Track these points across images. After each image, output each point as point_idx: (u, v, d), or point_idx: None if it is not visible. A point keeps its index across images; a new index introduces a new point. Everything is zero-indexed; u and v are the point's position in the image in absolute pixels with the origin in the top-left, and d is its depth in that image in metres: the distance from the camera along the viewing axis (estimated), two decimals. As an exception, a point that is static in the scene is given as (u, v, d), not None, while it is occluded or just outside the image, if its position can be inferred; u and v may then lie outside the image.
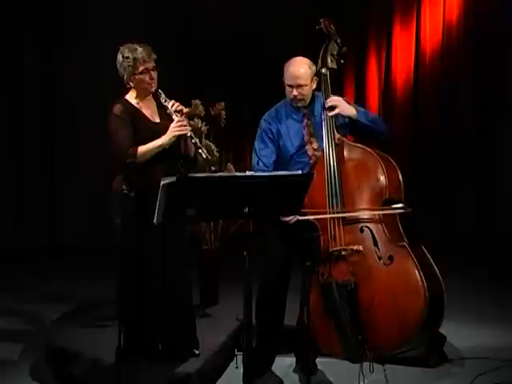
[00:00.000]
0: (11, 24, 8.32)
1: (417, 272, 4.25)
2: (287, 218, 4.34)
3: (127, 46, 4.50)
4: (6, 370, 4.90)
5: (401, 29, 8.68)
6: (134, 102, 4.55)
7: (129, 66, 4.46)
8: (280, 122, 4.61)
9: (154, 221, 3.64)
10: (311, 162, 4.55)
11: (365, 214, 4.41)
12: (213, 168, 4.61)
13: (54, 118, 8.66)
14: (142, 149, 4.44)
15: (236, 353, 4.63)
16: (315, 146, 4.57)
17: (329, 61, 4.68)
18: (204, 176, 3.81)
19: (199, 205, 3.68)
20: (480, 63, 8.36)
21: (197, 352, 4.65)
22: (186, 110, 4.55)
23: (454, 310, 5.41)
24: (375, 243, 4.36)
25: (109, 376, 4.31)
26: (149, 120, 4.55)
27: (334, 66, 4.70)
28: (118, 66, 4.52)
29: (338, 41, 4.76)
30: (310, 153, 4.58)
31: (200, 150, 4.45)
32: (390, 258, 4.32)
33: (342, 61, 4.74)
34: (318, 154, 4.55)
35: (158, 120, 4.57)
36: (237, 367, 4.36)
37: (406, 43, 8.65)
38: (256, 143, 4.62)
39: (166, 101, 4.50)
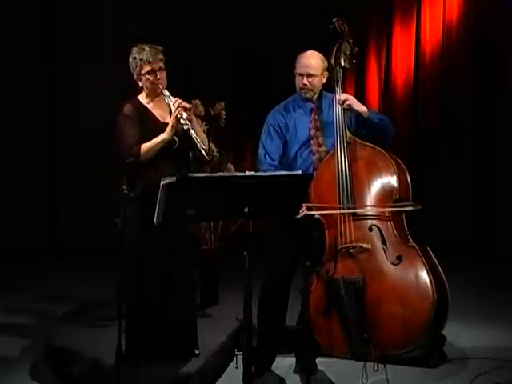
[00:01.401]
0: (11, 24, 8.32)
1: (426, 274, 4.26)
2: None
3: (138, 46, 4.58)
4: (6, 370, 4.89)
5: (401, 29, 8.69)
6: (144, 101, 4.61)
7: (136, 66, 4.55)
8: (288, 115, 4.64)
9: (154, 221, 3.65)
10: (314, 158, 4.56)
11: (374, 212, 4.42)
12: (209, 169, 4.60)
13: (53, 118, 8.66)
14: (144, 146, 4.47)
15: (236, 353, 4.62)
16: (320, 141, 4.60)
17: (342, 60, 4.74)
18: (204, 176, 3.81)
19: (199, 205, 3.68)
20: (480, 63, 8.37)
21: (197, 352, 4.66)
22: (188, 105, 4.54)
23: (455, 309, 5.41)
24: (384, 242, 4.37)
25: (109, 376, 4.31)
26: (158, 120, 4.58)
27: (347, 66, 4.76)
28: (130, 66, 4.60)
29: (351, 41, 4.81)
30: (314, 149, 4.59)
31: (199, 145, 4.44)
32: (399, 257, 4.33)
33: (354, 61, 4.77)
34: (322, 149, 4.57)
35: (168, 120, 4.58)
36: (237, 367, 4.34)
37: (406, 43, 8.66)
38: (263, 137, 4.65)
39: (169, 98, 4.53)
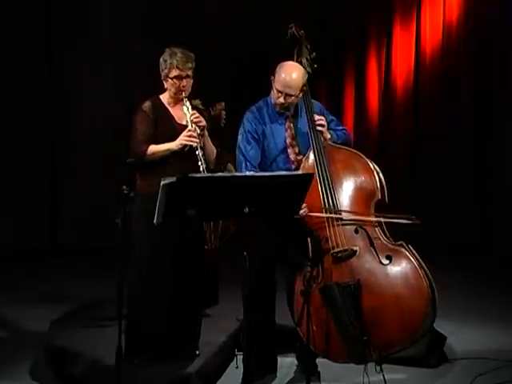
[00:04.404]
0: (11, 24, 8.32)
1: (418, 270, 4.27)
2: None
3: (172, 49, 4.63)
4: (6, 370, 4.90)
5: (401, 29, 8.69)
6: (165, 101, 4.66)
7: (165, 68, 4.60)
8: (264, 123, 4.57)
9: (154, 221, 3.65)
10: (294, 167, 4.53)
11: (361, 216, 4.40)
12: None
13: (53, 118, 8.65)
14: (152, 148, 4.52)
15: (236, 353, 4.62)
16: (297, 150, 4.56)
17: (304, 65, 4.68)
18: (204, 176, 3.82)
19: (199, 205, 3.68)
20: (480, 63, 8.38)
21: (197, 352, 4.66)
22: (203, 124, 4.58)
23: (455, 310, 5.43)
24: (371, 244, 4.36)
25: (109, 376, 4.30)
26: (175, 121, 4.62)
27: (309, 70, 4.70)
28: (159, 66, 4.65)
29: (308, 46, 4.77)
30: (292, 157, 4.55)
31: (199, 163, 4.45)
32: (389, 257, 4.33)
33: (316, 65, 4.73)
34: (300, 158, 4.54)
35: (185, 122, 4.59)
36: (237, 367, 4.36)
37: (406, 43, 8.66)
38: (241, 144, 4.55)
39: (188, 109, 4.57)
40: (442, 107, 8.55)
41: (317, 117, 4.55)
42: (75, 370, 4.69)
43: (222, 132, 5.83)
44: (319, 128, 4.53)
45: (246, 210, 3.68)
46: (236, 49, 8.70)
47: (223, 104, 5.93)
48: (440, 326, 4.85)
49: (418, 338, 4.36)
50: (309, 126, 4.54)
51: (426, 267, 4.32)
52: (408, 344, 4.31)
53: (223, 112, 5.90)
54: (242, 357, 4.28)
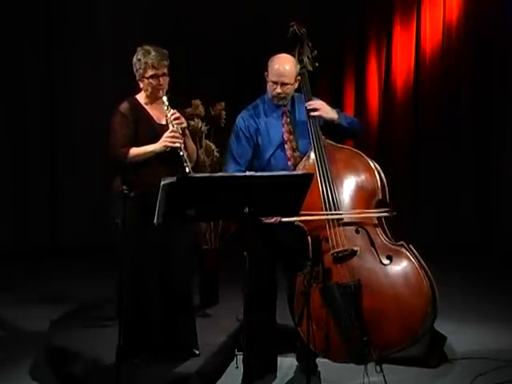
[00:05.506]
0: (11, 24, 8.32)
1: (419, 270, 4.26)
2: (272, 220, 4.30)
3: (144, 47, 4.57)
4: (6, 370, 4.90)
5: (401, 29, 8.69)
6: (142, 101, 4.62)
7: (140, 68, 4.55)
8: (259, 118, 4.57)
9: (154, 221, 3.65)
10: (290, 163, 4.53)
11: (360, 215, 4.40)
12: (209, 169, 4.58)
13: (53, 118, 8.65)
14: (133, 151, 4.50)
15: (236, 353, 4.62)
16: (294, 145, 4.55)
17: (306, 63, 4.69)
18: (204, 176, 3.82)
19: (199, 205, 3.68)
20: (480, 63, 8.38)
21: (197, 352, 4.66)
22: (184, 124, 4.57)
23: (455, 310, 5.43)
24: (372, 244, 4.36)
25: (109, 376, 4.31)
26: (154, 121, 4.58)
27: (311, 69, 4.70)
28: (133, 66, 4.59)
29: (310, 44, 4.77)
30: (288, 153, 4.53)
31: (185, 164, 4.44)
32: (389, 257, 4.32)
33: (317, 64, 4.73)
34: (296, 154, 4.54)
35: (164, 122, 4.58)
36: (237, 367, 4.36)
37: (406, 43, 8.66)
38: (231, 141, 4.57)
39: (167, 109, 4.53)
40: (442, 107, 8.54)
41: (309, 103, 4.52)
42: (75, 370, 4.69)
43: (222, 132, 5.83)
44: (315, 113, 4.50)
45: (246, 210, 3.68)
46: (236, 49, 8.70)
47: (223, 104, 5.93)
48: (440, 326, 4.85)
49: (419, 338, 4.35)
50: (308, 124, 4.53)
51: (426, 267, 4.32)
52: (408, 344, 4.31)
53: (223, 112, 5.90)
54: (242, 357, 4.29)
